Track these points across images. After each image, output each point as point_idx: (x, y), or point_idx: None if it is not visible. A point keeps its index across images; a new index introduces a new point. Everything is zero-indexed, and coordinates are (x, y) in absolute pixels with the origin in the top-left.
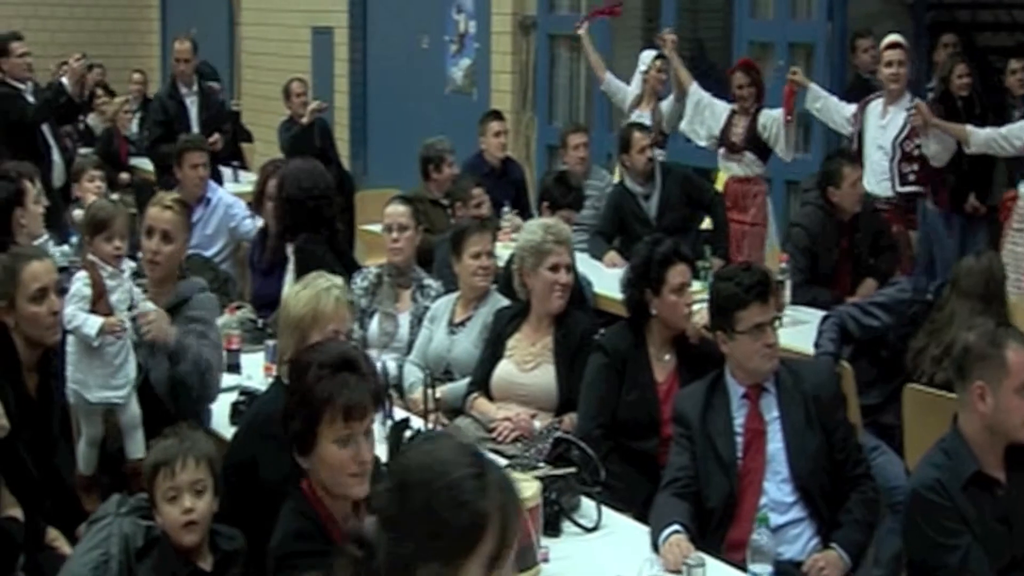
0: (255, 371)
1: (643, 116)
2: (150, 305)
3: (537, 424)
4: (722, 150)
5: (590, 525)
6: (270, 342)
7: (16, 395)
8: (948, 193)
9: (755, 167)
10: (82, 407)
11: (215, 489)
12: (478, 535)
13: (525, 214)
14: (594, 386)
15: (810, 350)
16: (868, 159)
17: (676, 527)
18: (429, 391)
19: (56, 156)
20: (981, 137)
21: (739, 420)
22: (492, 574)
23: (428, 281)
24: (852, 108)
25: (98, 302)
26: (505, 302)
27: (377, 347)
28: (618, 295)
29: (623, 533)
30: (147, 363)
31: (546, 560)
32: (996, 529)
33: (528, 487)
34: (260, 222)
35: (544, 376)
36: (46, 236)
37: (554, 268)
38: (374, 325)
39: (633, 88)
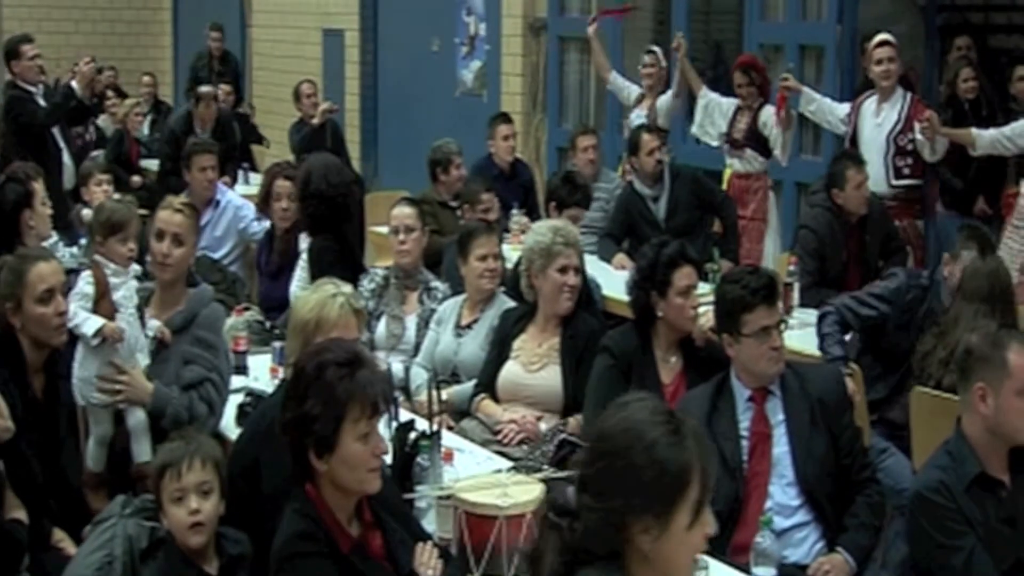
0: (262, 373)
1: (640, 115)
2: (155, 322)
3: (543, 426)
4: (726, 146)
5: None
6: (277, 344)
7: (22, 396)
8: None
9: (756, 163)
10: (90, 405)
11: (221, 491)
12: (684, 485)
13: (534, 216)
14: (600, 388)
15: (817, 353)
16: (865, 158)
17: None
18: (435, 393)
19: (67, 158)
20: (986, 139)
21: (745, 423)
22: (697, 519)
23: (435, 283)
24: (846, 108)
25: (101, 301)
26: (511, 304)
27: (384, 349)
28: (626, 297)
29: None
30: (152, 373)
31: None
32: (1000, 530)
33: (532, 490)
34: (267, 224)
35: (550, 377)
36: (55, 238)
37: (563, 270)
38: (381, 327)
39: (637, 86)
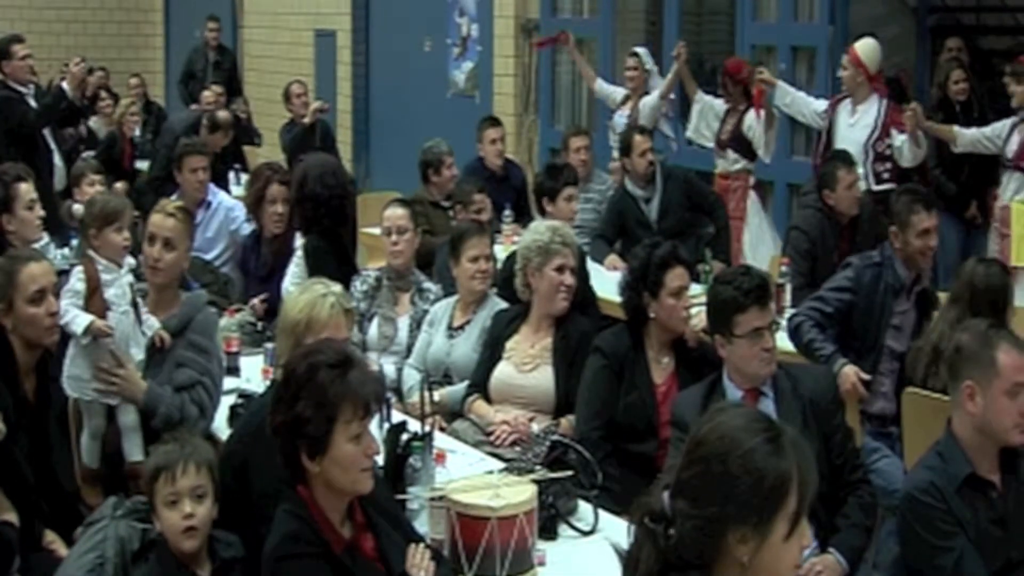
0: (254, 374)
1: (623, 116)
2: (155, 322)
3: (535, 427)
4: (714, 146)
5: (587, 528)
6: (269, 345)
7: (13, 398)
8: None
9: (737, 165)
10: (82, 401)
11: (215, 495)
12: (784, 494)
13: (525, 218)
14: (592, 388)
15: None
16: None
17: None
18: (427, 394)
19: (57, 159)
20: (967, 137)
21: None
22: (795, 530)
23: (427, 285)
24: (823, 104)
25: (92, 297)
26: (503, 305)
27: (376, 350)
28: (618, 298)
29: (620, 536)
30: (147, 375)
31: (542, 564)
32: (991, 531)
33: (524, 491)
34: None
35: (543, 378)
36: (46, 239)
37: (560, 269)
38: (373, 328)
39: (622, 89)
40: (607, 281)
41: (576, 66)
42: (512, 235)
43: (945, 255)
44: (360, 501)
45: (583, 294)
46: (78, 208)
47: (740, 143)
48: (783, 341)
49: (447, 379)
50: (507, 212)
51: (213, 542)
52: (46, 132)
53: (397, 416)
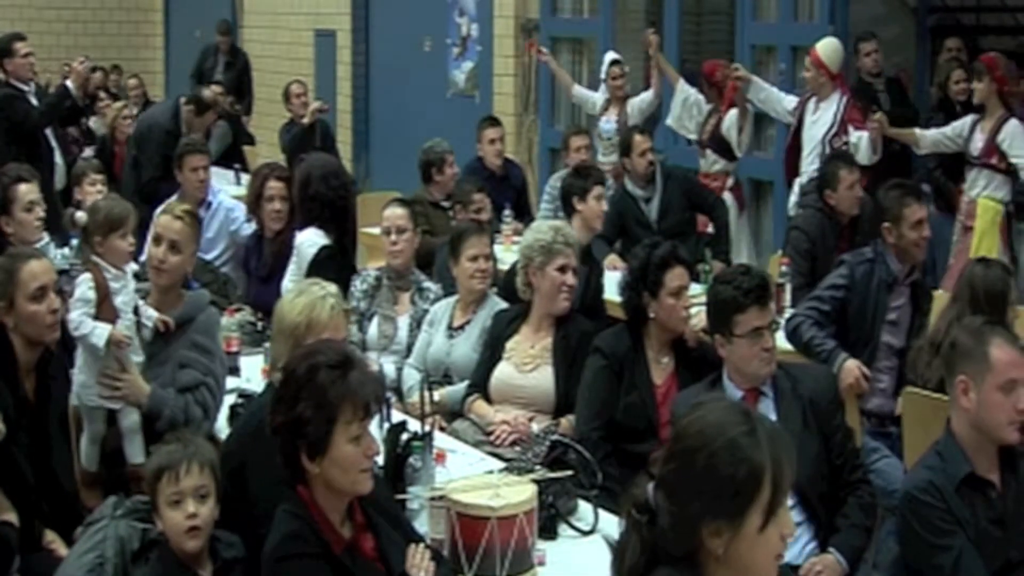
0: (254, 374)
1: (610, 122)
2: (153, 313)
3: (535, 427)
4: (697, 145)
5: (587, 528)
6: (269, 344)
7: (13, 397)
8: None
9: (716, 165)
10: (84, 406)
11: (217, 496)
12: (757, 486)
13: (525, 217)
14: (592, 388)
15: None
16: (804, 151)
17: None
18: (427, 394)
19: (58, 158)
20: (929, 139)
21: None
22: (770, 521)
23: (427, 284)
24: (793, 100)
25: (102, 304)
26: (503, 305)
27: (376, 350)
28: (618, 298)
29: None
30: (149, 375)
31: (542, 563)
32: (990, 531)
33: (524, 491)
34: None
35: (543, 378)
36: (46, 239)
37: (562, 269)
38: (373, 328)
39: (600, 95)
40: (607, 281)
41: (578, 63)
42: (512, 235)
43: (941, 253)
44: (360, 501)
45: (595, 303)
46: (81, 216)
47: (719, 144)
48: (783, 341)
49: (447, 379)
50: (507, 212)
51: (215, 542)
52: (48, 131)
53: (397, 416)
